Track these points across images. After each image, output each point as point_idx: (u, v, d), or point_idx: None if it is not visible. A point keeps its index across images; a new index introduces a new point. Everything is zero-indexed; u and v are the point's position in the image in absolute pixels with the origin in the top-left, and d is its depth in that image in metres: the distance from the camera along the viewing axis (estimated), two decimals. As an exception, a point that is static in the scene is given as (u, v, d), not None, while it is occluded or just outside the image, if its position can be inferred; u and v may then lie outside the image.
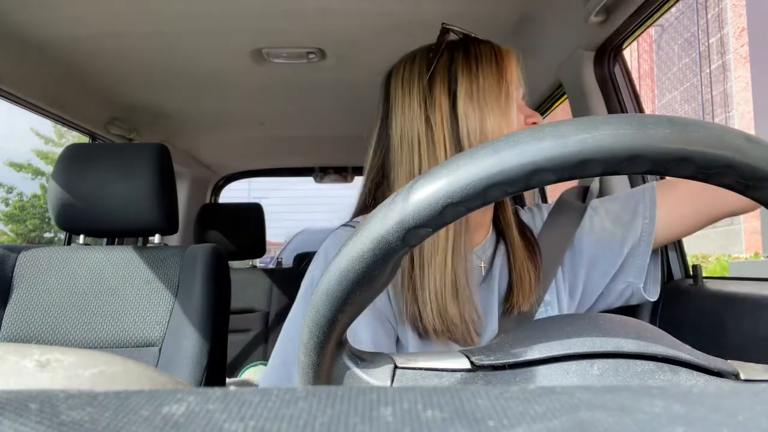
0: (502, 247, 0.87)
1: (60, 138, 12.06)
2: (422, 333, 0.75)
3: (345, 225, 0.86)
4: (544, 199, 2.45)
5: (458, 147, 0.79)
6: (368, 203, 0.87)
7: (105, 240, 1.95)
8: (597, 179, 0.96)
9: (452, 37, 0.84)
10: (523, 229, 0.88)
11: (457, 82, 0.79)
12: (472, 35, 0.84)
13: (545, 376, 0.38)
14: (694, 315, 1.13)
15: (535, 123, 0.81)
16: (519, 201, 2.42)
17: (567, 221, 0.89)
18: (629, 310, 1.29)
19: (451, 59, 0.81)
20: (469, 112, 0.78)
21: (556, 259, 0.87)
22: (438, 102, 0.79)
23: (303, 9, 1.30)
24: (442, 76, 0.80)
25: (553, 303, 0.86)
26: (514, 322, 0.80)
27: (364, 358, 0.41)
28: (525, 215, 0.93)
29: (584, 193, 0.94)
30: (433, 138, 0.79)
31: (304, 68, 1.63)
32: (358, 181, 0.87)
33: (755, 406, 0.16)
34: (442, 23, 0.85)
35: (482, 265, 0.84)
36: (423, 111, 0.80)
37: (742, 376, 0.38)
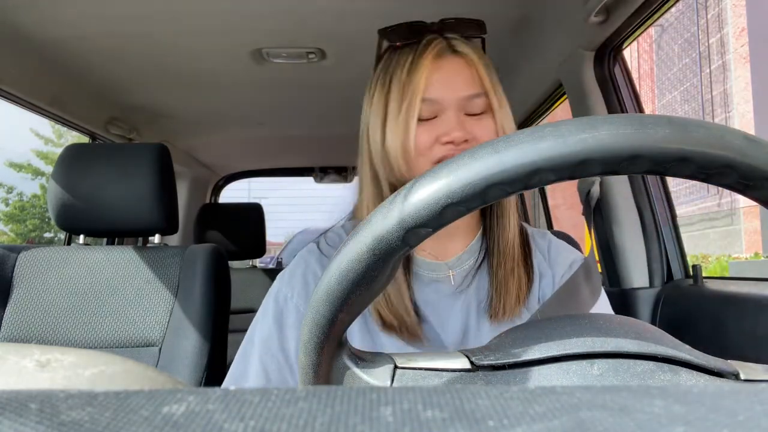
0: (487, 260, 0.80)
1: (59, 138, 12.09)
2: (372, 325, 0.74)
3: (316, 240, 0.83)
4: (544, 199, 2.45)
5: (371, 163, 0.77)
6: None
7: (105, 240, 1.95)
8: (597, 181, 0.94)
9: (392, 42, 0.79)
10: (524, 243, 0.81)
11: (373, 95, 0.76)
12: (397, 45, 0.77)
13: (545, 376, 0.38)
14: (694, 315, 1.13)
15: (451, 142, 0.70)
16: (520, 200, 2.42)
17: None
18: (629, 311, 1.30)
19: (378, 68, 0.78)
20: (374, 127, 0.75)
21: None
22: (365, 111, 0.78)
23: (303, 9, 1.31)
24: (372, 85, 0.78)
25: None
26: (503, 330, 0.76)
27: (364, 358, 0.41)
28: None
29: (585, 197, 0.90)
30: (362, 146, 0.79)
31: (304, 68, 1.63)
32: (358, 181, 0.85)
33: (755, 406, 0.16)
34: (378, 30, 0.79)
35: (451, 274, 0.78)
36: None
37: (742, 376, 0.38)
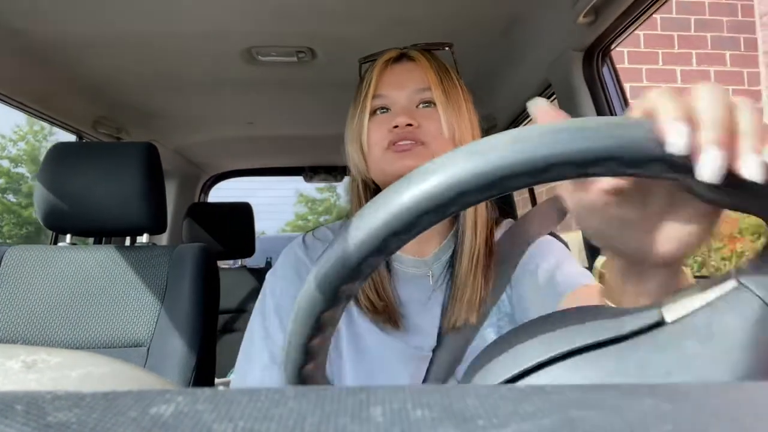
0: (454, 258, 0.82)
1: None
2: (354, 314, 0.79)
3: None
4: (533, 198, 2.47)
5: (349, 166, 0.86)
6: None
7: (92, 239, 1.93)
8: None
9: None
10: (490, 243, 0.81)
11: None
12: (364, 61, 0.87)
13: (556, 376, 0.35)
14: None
15: (396, 127, 0.76)
16: (507, 202, 2.43)
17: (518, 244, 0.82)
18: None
19: None
20: (346, 134, 0.84)
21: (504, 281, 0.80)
22: None
23: (293, 8, 1.30)
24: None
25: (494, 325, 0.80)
26: (455, 335, 0.77)
27: None
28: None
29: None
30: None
31: (294, 67, 1.63)
32: (348, 180, 0.89)
33: (741, 405, 0.16)
34: (358, 59, 0.88)
35: (430, 274, 0.82)
36: None
37: (668, 319, 0.34)
